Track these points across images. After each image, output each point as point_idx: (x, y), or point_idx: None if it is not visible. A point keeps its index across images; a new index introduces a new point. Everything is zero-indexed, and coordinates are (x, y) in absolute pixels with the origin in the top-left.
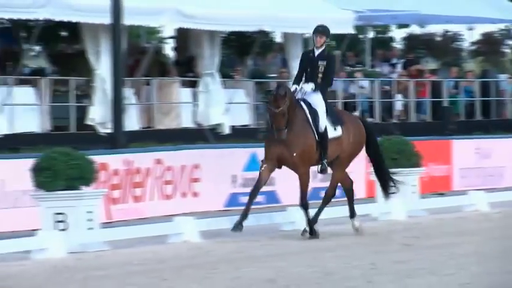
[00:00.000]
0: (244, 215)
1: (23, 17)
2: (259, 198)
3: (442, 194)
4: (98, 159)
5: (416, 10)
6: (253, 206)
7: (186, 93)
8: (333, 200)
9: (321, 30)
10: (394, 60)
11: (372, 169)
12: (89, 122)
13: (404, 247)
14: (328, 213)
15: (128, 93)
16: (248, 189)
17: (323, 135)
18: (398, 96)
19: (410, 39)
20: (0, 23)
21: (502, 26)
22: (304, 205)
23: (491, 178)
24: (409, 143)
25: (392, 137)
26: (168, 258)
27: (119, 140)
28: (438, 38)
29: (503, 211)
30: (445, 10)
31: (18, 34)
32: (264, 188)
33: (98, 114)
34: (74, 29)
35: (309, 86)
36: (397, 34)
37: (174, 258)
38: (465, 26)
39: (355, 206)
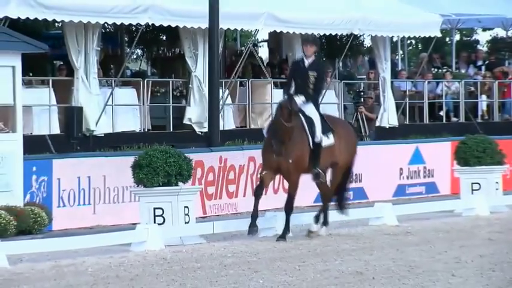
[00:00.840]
0: (255, 217)
1: (126, 22)
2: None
3: None
4: (194, 157)
5: (501, 14)
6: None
7: (278, 94)
8: (416, 196)
9: (310, 40)
10: (479, 62)
11: (456, 166)
12: (186, 122)
13: (487, 242)
14: (410, 209)
15: (223, 94)
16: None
17: (318, 144)
18: (483, 97)
19: (494, 42)
20: (104, 28)
21: None
22: (289, 210)
23: None
24: (492, 142)
25: (477, 136)
26: (260, 251)
27: (214, 139)
28: None
29: None
30: None
31: (121, 38)
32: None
33: (195, 114)
34: (172, 33)
35: (300, 99)
36: (482, 37)
37: (266, 251)
38: None
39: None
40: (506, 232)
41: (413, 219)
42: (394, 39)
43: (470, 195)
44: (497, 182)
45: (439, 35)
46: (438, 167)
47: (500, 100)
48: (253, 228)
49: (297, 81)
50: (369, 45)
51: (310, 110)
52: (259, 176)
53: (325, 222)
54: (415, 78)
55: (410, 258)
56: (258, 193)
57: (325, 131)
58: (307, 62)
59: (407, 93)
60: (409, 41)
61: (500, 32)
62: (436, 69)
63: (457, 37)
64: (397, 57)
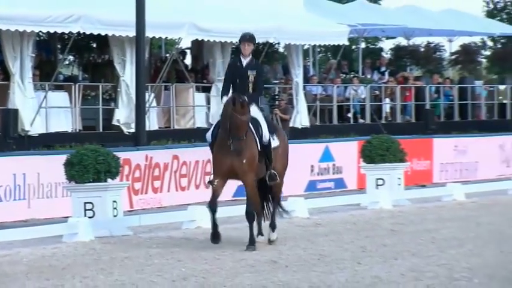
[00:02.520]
0: (215, 226)
1: (59, 30)
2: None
3: (423, 186)
4: (122, 155)
5: (403, 24)
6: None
7: (200, 97)
8: (326, 191)
9: (248, 38)
10: (383, 68)
11: (362, 164)
12: (114, 123)
13: (390, 232)
14: (320, 203)
15: (149, 97)
16: None
17: (267, 144)
18: (386, 100)
19: (397, 50)
20: (39, 36)
21: (478, 38)
22: (251, 213)
23: (467, 172)
24: (395, 141)
25: (381, 136)
26: (183, 243)
27: (141, 139)
28: (422, 49)
29: (477, 201)
30: (428, 24)
31: (55, 45)
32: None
33: (123, 116)
34: (102, 41)
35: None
36: (386, 45)
37: (188, 242)
38: (446, 38)
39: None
40: (407, 224)
41: (323, 212)
42: (306, 47)
43: (375, 190)
44: (399, 178)
45: (347, 43)
46: (346, 164)
47: (402, 103)
48: (215, 238)
49: (235, 82)
50: (283, 53)
51: (253, 110)
52: (211, 186)
53: (273, 225)
54: (325, 83)
55: (320, 247)
56: (212, 209)
57: (271, 132)
58: (245, 62)
59: (318, 96)
60: (319, 49)
61: (402, 41)
62: (344, 75)
63: (363, 45)
64: (308, 63)
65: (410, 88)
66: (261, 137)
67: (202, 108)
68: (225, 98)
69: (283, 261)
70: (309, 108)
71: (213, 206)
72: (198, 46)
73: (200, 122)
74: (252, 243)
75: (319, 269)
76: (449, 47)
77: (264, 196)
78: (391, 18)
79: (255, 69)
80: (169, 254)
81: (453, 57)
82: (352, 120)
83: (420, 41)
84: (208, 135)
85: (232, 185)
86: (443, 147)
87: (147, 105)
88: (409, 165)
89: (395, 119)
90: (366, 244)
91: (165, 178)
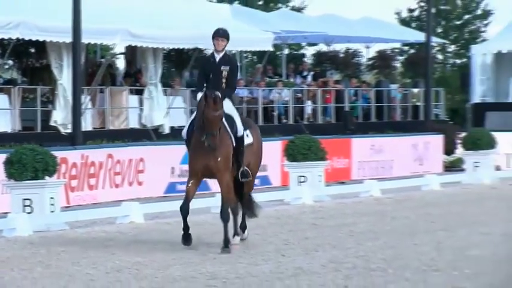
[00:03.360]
0: (186, 228)
1: None
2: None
3: (343, 183)
4: (59, 154)
5: (323, 31)
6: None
7: (133, 99)
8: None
9: (221, 33)
10: (305, 73)
11: (286, 162)
12: (52, 123)
13: (312, 226)
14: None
15: (85, 100)
16: (184, 179)
17: (240, 140)
18: (308, 102)
19: (318, 56)
20: None
21: (393, 45)
22: (226, 217)
23: (383, 169)
24: (316, 141)
25: (303, 136)
26: (117, 236)
27: (77, 139)
28: (341, 54)
29: (392, 196)
30: (347, 31)
31: None
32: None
33: (60, 117)
34: (41, 46)
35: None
36: (308, 51)
37: (122, 236)
38: (363, 44)
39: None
40: (327, 218)
41: None
42: (233, 52)
43: (297, 187)
44: (320, 175)
45: (272, 49)
46: (270, 163)
47: (323, 105)
48: (187, 240)
49: (209, 77)
50: None
51: (226, 105)
52: (187, 185)
53: (244, 226)
54: (251, 86)
55: (247, 240)
56: (184, 213)
57: (245, 128)
58: (218, 57)
59: (245, 99)
60: (246, 54)
61: (323, 47)
62: (269, 79)
63: (286, 51)
64: None
65: (331, 91)
66: (235, 133)
67: (135, 110)
68: (199, 95)
69: (211, 254)
70: (236, 110)
71: (184, 210)
72: (131, 51)
73: (133, 123)
74: (226, 245)
75: (246, 261)
76: (367, 53)
77: (238, 195)
78: (313, 26)
79: (229, 65)
80: (104, 247)
81: (370, 62)
82: (276, 121)
83: (340, 47)
84: (184, 132)
85: (163, 182)
86: (361, 146)
87: (83, 107)
88: (329, 163)
89: (316, 120)
90: (289, 237)
91: (100, 176)
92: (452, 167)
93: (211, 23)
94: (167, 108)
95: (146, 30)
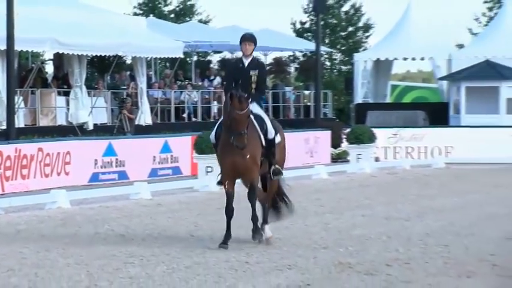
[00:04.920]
0: (228, 228)
1: None
2: (112, 175)
3: None
4: None
5: (227, 41)
6: (107, 182)
7: (61, 100)
8: (165, 177)
9: (248, 37)
10: (212, 77)
11: (195, 154)
12: None
13: (218, 210)
14: (161, 186)
15: (18, 100)
16: (106, 170)
17: (271, 142)
18: (215, 103)
19: (223, 62)
20: None
21: (288, 53)
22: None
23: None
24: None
25: (209, 132)
26: (46, 220)
27: (11, 134)
28: None
29: (288, 184)
30: None
31: None
32: (117, 169)
33: None
34: None
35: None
36: (214, 58)
37: (50, 220)
38: (262, 52)
39: (182, 182)
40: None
41: (163, 194)
42: (149, 59)
43: (205, 176)
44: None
45: (182, 56)
46: (182, 155)
47: None
48: (225, 245)
49: (237, 82)
50: (130, 64)
51: (256, 109)
52: (224, 189)
53: (266, 220)
54: (164, 89)
55: (161, 223)
56: (229, 216)
57: (275, 129)
58: (246, 62)
59: (159, 99)
60: (159, 61)
61: (227, 55)
62: (180, 82)
63: (195, 58)
64: (151, 72)
65: None
66: (265, 133)
67: (63, 109)
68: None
69: (130, 235)
70: (151, 109)
71: (228, 212)
72: (59, 58)
73: (61, 120)
74: (225, 242)
75: (160, 241)
76: (265, 60)
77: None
78: (218, 36)
79: (257, 69)
80: (35, 229)
81: (268, 67)
82: (187, 119)
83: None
84: (212, 136)
85: (87, 172)
86: None
87: (16, 106)
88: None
89: (221, 117)
90: (197, 220)
91: (32, 167)
92: (339, 158)
93: (129, 33)
94: (91, 108)
95: (72, 39)
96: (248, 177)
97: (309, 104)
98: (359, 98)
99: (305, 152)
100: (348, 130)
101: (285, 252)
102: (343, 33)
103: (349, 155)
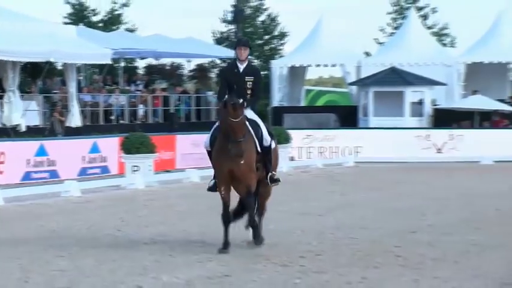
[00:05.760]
0: (226, 236)
1: None
2: (44, 174)
3: (168, 171)
4: None
5: (153, 48)
6: (39, 181)
7: None
8: (94, 176)
9: (243, 42)
10: (138, 82)
11: (122, 154)
12: None
13: (143, 207)
14: (90, 185)
15: None
16: (38, 169)
17: (267, 149)
18: (141, 106)
19: (149, 68)
20: None
21: (209, 59)
22: (260, 216)
23: (202, 160)
24: (147, 137)
25: (136, 133)
26: None
27: None
28: (167, 67)
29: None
30: (172, 48)
31: None
32: (49, 168)
33: None
34: None
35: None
36: (140, 64)
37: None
38: (185, 59)
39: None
40: (156, 200)
41: (92, 192)
42: (79, 65)
43: (132, 175)
44: (150, 165)
45: (110, 62)
46: (110, 155)
47: (152, 108)
48: (225, 249)
49: (232, 87)
50: (61, 69)
51: (251, 115)
52: (222, 194)
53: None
54: (93, 93)
55: (90, 219)
56: (226, 222)
57: (270, 135)
58: (241, 67)
59: (88, 103)
60: (89, 66)
61: (152, 61)
62: (108, 86)
63: (122, 64)
64: (81, 77)
65: (159, 97)
66: (261, 139)
67: None
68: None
69: (60, 231)
70: (81, 112)
71: (225, 218)
72: None
73: None
74: (259, 239)
75: (89, 236)
76: (188, 66)
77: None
78: (144, 43)
79: (253, 75)
80: None
81: (191, 73)
82: (114, 121)
83: (166, 61)
84: (207, 142)
85: (20, 171)
86: (184, 141)
87: None
88: (158, 156)
89: (147, 120)
90: (124, 216)
91: None
92: None
93: (60, 40)
94: (23, 111)
95: (6, 46)
96: (245, 184)
97: None
98: (276, 101)
99: None
100: None
101: (207, 246)
102: (260, 41)
103: None
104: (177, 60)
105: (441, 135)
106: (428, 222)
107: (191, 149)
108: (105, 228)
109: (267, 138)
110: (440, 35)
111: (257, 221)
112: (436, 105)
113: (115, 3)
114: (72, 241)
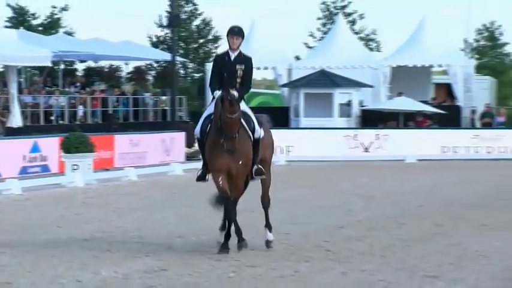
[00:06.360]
0: (239, 232)
1: None
2: None
3: (107, 170)
4: None
5: (92, 51)
6: None
7: None
8: (35, 174)
9: (236, 31)
10: (78, 84)
11: (62, 154)
12: None
13: (83, 204)
14: (31, 183)
15: None
16: None
17: (257, 140)
18: (80, 107)
19: (88, 70)
20: None
21: (145, 62)
22: (233, 217)
23: (139, 159)
24: (86, 137)
25: (76, 133)
26: None
27: None
28: (106, 69)
29: (146, 180)
30: (111, 51)
31: None
32: None
33: None
34: None
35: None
36: (80, 66)
37: None
38: (123, 61)
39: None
40: (95, 197)
41: (33, 190)
42: (19, 67)
43: (71, 173)
44: (89, 164)
45: (50, 64)
46: (50, 154)
47: (91, 109)
48: (242, 243)
49: (223, 75)
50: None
51: (242, 106)
52: (220, 185)
53: (269, 227)
54: (34, 94)
55: (30, 216)
56: (230, 207)
57: (259, 124)
58: (233, 55)
59: (29, 104)
60: (30, 68)
61: (91, 64)
62: (48, 88)
63: (62, 66)
64: (22, 79)
65: (98, 98)
66: (253, 130)
67: None
68: (217, 93)
69: (1, 228)
70: (22, 113)
71: (226, 204)
72: None
73: None
74: (239, 246)
75: (29, 232)
76: (126, 69)
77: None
78: (83, 46)
79: (244, 64)
80: None
81: (129, 75)
82: (54, 122)
83: (105, 63)
84: (197, 130)
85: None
86: (122, 141)
87: None
88: (97, 155)
89: (87, 120)
90: (64, 213)
91: None
92: (193, 157)
93: (1, 43)
94: None
95: None
96: (238, 180)
97: (166, 108)
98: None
99: (162, 151)
100: None
101: (144, 241)
102: (195, 45)
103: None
104: (115, 63)
105: (368, 135)
106: (356, 218)
107: (129, 148)
108: (45, 225)
109: (257, 130)
110: (367, 40)
111: (267, 213)
112: (363, 106)
113: (54, 7)
114: (13, 238)
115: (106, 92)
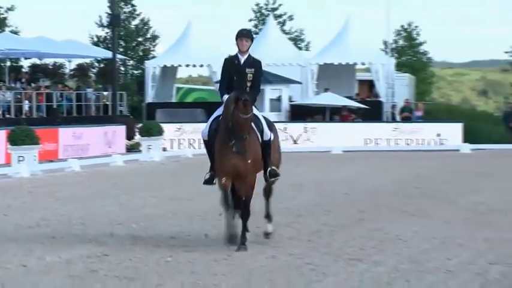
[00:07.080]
0: (232, 235)
1: None
2: None
3: (52, 161)
4: None
5: (37, 49)
6: None
7: None
8: None
9: (245, 33)
10: (23, 80)
11: (9, 146)
12: None
13: (28, 193)
14: None
15: None
16: None
17: (267, 144)
18: (26, 102)
19: (33, 67)
20: None
21: (88, 60)
22: (248, 216)
23: (82, 151)
24: (32, 130)
25: (22, 126)
26: None
27: None
28: (50, 66)
29: (88, 171)
30: (55, 49)
31: None
32: None
33: None
34: None
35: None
36: (25, 63)
37: None
38: (67, 59)
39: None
40: (40, 187)
41: None
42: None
43: (17, 164)
44: (35, 156)
45: None
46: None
47: (37, 104)
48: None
49: (233, 79)
50: None
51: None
52: (222, 182)
53: (270, 218)
54: None
55: None
56: (229, 205)
57: (269, 128)
58: (242, 59)
59: None
60: None
61: (37, 61)
62: None
63: (8, 63)
64: None
65: (42, 93)
66: (261, 133)
67: None
68: (226, 96)
69: None
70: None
71: (226, 201)
72: None
73: None
74: (243, 243)
75: None
76: (69, 66)
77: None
78: (29, 45)
79: (253, 67)
80: None
81: (72, 72)
82: (1, 116)
83: (49, 61)
84: (205, 132)
85: None
86: (66, 134)
87: None
88: (42, 147)
89: (32, 115)
90: (10, 202)
91: None
92: (133, 149)
93: None
94: None
95: None
96: (247, 181)
97: (107, 103)
98: (149, 98)
99: (104, 144)
100: (140, 125)
101: (86, 229)
102: (134, 43)
103: (141, 146)
104: (59, 60)
105: (297, 128)
106: (284, 206)
107: (72, 140)
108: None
109: (267, 133)
110: (296, 40)
111: (269, 204)
112: (292, 101)
113: (1, 7)
114: None
115: (50, 87)
